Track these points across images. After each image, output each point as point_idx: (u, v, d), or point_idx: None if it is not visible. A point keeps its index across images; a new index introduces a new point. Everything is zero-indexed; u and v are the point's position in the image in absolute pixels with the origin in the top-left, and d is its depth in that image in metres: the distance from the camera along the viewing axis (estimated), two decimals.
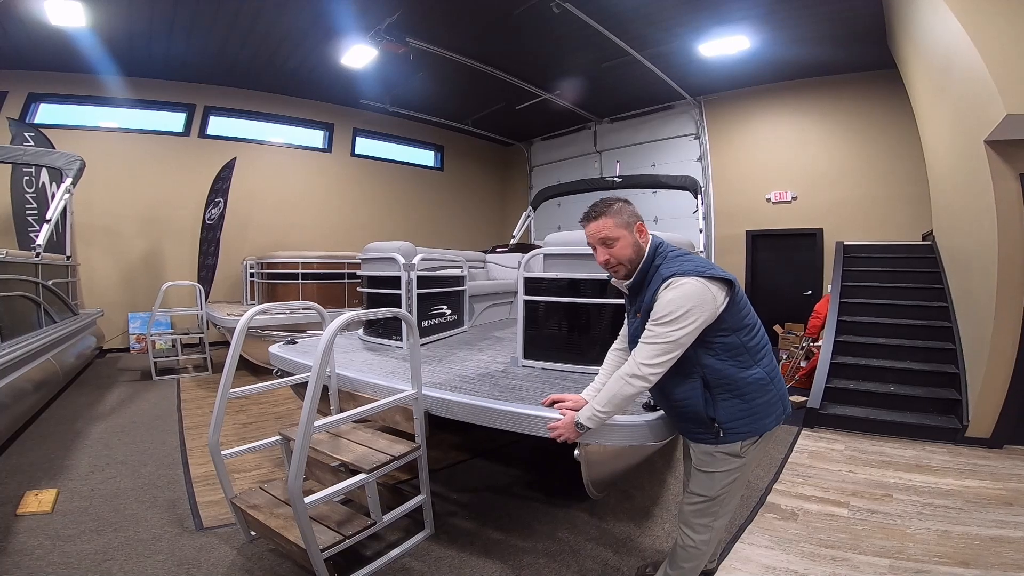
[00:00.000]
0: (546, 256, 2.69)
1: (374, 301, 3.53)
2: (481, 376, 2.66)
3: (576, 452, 1.84)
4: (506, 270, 5.33)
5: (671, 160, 8.74)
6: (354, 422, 2.57)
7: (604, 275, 2.61)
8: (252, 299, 7.11)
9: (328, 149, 9.45)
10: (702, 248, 6.00)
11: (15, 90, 6.91)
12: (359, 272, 3.91)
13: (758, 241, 8.04)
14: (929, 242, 5.83)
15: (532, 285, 2.70)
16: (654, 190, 8.32)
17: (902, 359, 4.66)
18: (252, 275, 7.01)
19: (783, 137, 7.85)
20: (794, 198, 7.73)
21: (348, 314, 2.00)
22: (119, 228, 7.48)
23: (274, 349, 3.22)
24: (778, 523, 2.64)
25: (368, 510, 2.13)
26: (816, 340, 5.80)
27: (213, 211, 7.18)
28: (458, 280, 4.04)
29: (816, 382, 4.64)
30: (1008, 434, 3.69)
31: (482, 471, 3.36)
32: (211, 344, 6.27)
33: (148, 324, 5.99)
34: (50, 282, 4.78)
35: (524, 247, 6.17)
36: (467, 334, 4.12)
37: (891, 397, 4.36)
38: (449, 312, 3.92)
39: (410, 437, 2.38)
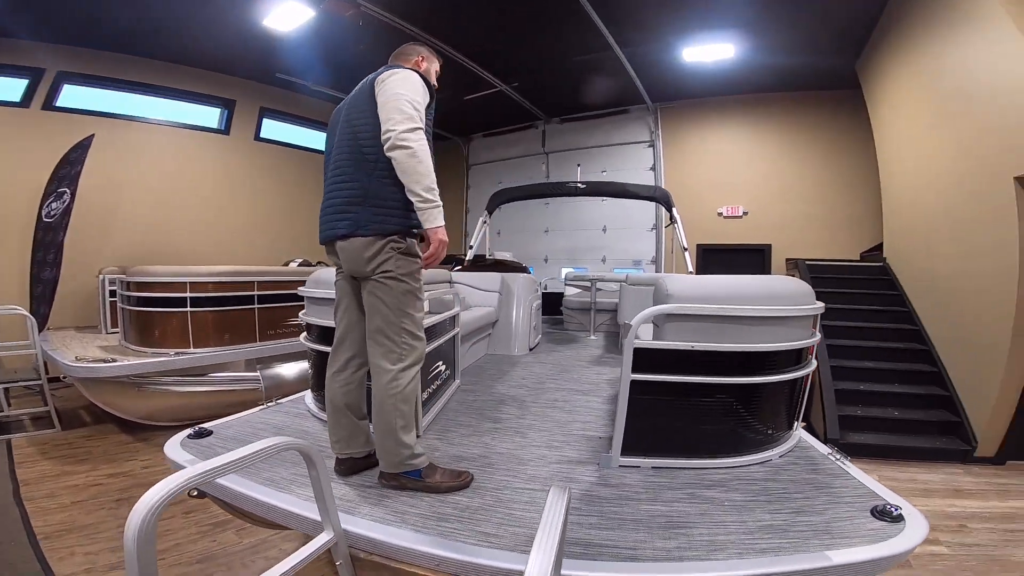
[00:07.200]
0: (668, 316, 1.82)
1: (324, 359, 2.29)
2: (584, 500, 1.69)
3: None
4: (485, 294, 4.32)
5: (623, 167, 8.33)
6: None
7: (757, 345, 1.84)
8: (114, 327, 5.24)
9: (225, 131, 7.56)
10: (691, 268, 5.60)
11: None
12: (301, 316, 2.69)
13: (708, 255, 7.94)
14: (879, 263, 6.03)
15: (646, 357, 1.81)
16: (603, 198, 7.86)
17: (889, 383, 4.63)
18: (114, 295, 5.13)
19: (739, 151, 7.86)
20: (745, 213, 7.73)
21: None
22: None
23: (179, 455, 1.91)
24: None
25: None
26: None
27: (54, 205, 5.16)
28: (452, 321, 3.00)
29: (827, 410, 4.38)
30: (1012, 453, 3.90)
31: None
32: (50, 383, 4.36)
33: None
34: None
35: (501, 264, 5.24)
36: (462, 391, 3.09)
37: (898, 422, 4.29)
38: (444, 368, 2.88)
39: None
